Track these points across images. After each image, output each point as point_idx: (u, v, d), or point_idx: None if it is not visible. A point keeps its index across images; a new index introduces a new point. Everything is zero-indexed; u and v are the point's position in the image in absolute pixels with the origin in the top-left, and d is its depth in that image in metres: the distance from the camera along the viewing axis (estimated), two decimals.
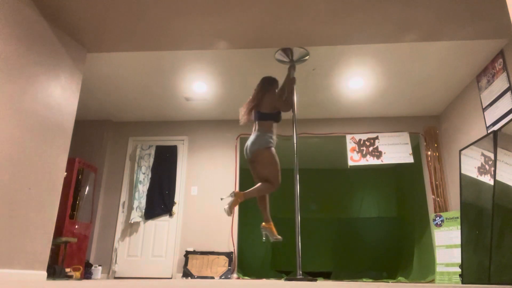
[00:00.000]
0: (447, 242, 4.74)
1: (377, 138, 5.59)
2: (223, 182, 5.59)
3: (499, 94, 3.99)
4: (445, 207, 5.12)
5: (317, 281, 3.23)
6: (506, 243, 3.41)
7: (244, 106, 3.66)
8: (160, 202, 5.54)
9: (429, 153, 5.48)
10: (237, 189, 5.53)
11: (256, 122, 3.54)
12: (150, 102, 5.38)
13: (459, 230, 4.27)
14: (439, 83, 4.74)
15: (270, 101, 3.57)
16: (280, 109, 3.59)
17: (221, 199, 3.75)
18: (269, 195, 3.54)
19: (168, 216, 5.49)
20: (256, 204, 3.55)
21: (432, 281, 4.86)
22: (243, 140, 5.84)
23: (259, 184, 3.39)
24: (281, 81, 3.96)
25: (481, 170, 4.01)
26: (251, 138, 3.47)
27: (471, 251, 3.87)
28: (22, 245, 2.96)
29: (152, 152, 5.81)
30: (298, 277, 3.23)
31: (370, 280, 5.41)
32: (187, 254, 5.14)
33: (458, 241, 4.40)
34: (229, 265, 5.03)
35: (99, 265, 5.02)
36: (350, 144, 5.60)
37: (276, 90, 3.77)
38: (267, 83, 3.73)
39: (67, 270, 4.24)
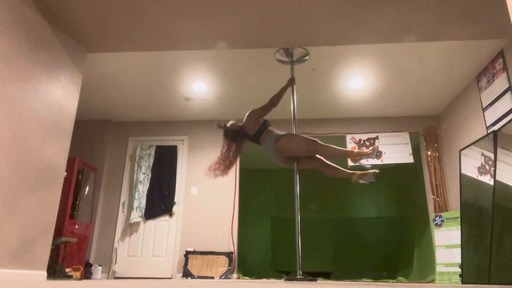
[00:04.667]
0: (447, 242, 4.73)
1: (377, 138, 5.59)
2: (223, 182, 5.58)
3: (499, 94, 3.99)
4: (445, 207, 5.12)
5: (317, 281, 3.23)
6: (506, 243, 3.41)
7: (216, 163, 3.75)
8: (160, 202, 5.54)
9: (429, 153, 5.48)
10: (237, 189, 5.53)
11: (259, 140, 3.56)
12: (150, 102, 5.38)
13: (459, 230, 4.27)
14: (439, 83, 4.74)
15: (252, 121, 3.60)
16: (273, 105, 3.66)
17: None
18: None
19: (168, 216, 5.49)
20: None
21: (432, 281, 4.86)
22: None
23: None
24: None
25: (481, 170, 4.01)
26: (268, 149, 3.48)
27: (471, 251, 3.87)
28: (22, 245, 2.96)
29: (152, 152, 5.81)
30: (298, 277, 3.23)
31: (370, 280, 5.41)
32: (187, 254, 5.14)
33: (458, 241, 4.40)
34: (229, 265, 5.02)
35: (99, 265, 5.02)
36: (350, 144, 5.60)
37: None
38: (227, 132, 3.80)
39: (67, 270, 4.24)
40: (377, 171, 3.13)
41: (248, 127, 3.54)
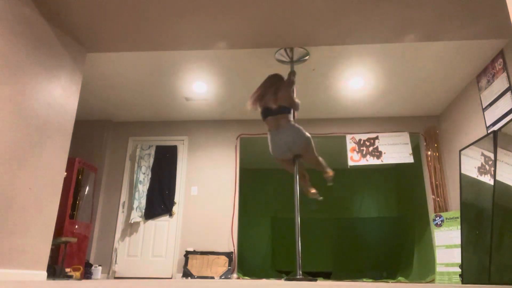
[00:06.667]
0: (447, 242, 4.74)
1: (377, 138, 5.59)
2: (223, 182, 5.59)
3: (499, 94, 3.99)
4: (445, 207, 5.12)
5: (317, 281, 3.23)
6: (506, 243, 3.41)
7: (255, 95, 3.66)
8: (160, 202, 5.54)
9: (429, 153, 5.48)
10: (237, 189, 5.53)
11: (278, 116, 3.50)
12: (150, 102, 5.38)
13: (459, 230, 4.27)
14: (439, 83, 4.74)
15: (285, 96, 3.57)
16: (293, 107, 3.64)
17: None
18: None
19: (168, 216, 5.49)
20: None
21: (432, 281, 4.86)
22: (243, 140, 5.84)
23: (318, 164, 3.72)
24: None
25: (481, 170, 4.01)
26: (290, 133, 3.47)
27: (471, 251, 3.87)
28: (22, 245, 2.96)
29: (152, 152, 5.81)
30: (298, 277, 3.23)
31: (370, 280, 5.41)
32: (187, 254, 5.14)
33: (458, 241, 4.40)
34: (229, 265, 5.02)
35: (99, 265, 5.02)
36: (350, 144, 5.60)
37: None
38: (278, 78, 3.74)
39: (67, 270, 4.24)
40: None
41: (280, 96, 3.55)
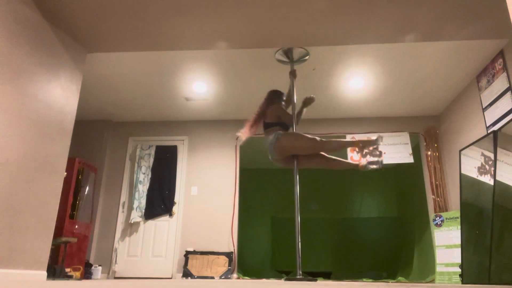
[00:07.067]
0: (447, 242, 4.74)
1: None
2: (223, 182, 5.59)
3: (499, 94, 3.99)
4: (445, 207, 5.12)
5: (317, 281, 3.23)
6: (506, 243, 3.41)
7: (248, 122, 3.72)
8: (160, 202, 5.54)
9: (429, 153, 5.48)
10: (237, 189, 5.53)
11: (267, 130, 3.65)
12: (150, 102, 5.38)
13: (459, 230, 4.27)
14: (439, 83, 4.74)
15: (274, 112, 3.62)
16: (287, 123, 3.65)
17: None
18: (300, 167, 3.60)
19: (168, 216, 5.49)
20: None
21: (432, 281, 4.86)
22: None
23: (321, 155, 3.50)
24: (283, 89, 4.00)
25: (481, 170, 4.01)
26: (267, 144, 3.59)
27: (471, 251, 3.87)
28: (22, 245, 2.96)
29: (152, 152, 5.81)
30: (298, 277, 3.23)
31: (370, 280, 5.41)
32: (187, 254, 5.14)
33: (458, 241, 4.40)
34: (229, 265, 5.02)
35: (99, 265, 5.02)
36: None
37: (283, 103, 3.81)
38: (273, 95, 3.79)
39: (67, 270, 4.24)
40: (382, 158, 3.35)
41: (268, 114, 3.65)
